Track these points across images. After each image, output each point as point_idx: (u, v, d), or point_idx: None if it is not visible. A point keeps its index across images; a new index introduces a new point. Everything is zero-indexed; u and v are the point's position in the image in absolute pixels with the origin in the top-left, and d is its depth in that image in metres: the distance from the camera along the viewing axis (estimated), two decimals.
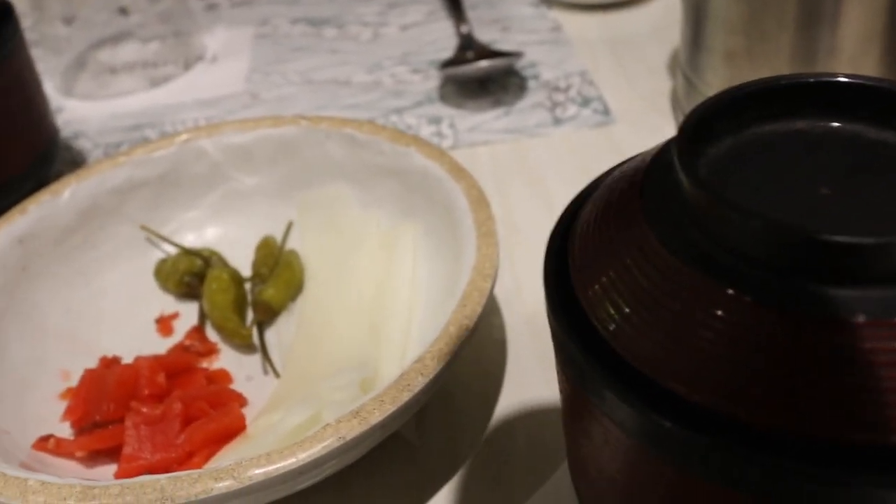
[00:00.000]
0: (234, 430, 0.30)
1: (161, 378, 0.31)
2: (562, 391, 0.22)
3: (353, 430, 0.25)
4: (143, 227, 0.40)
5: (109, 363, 0.34)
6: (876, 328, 0.16)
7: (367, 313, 0.34)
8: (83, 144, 0.52)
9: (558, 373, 0.22)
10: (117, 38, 0.59)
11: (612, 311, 0.19)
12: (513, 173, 0.45)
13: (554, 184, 0.44)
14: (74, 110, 0.55)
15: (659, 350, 0.18)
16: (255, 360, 0.35)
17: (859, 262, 0.16)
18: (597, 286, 0.20)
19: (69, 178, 0.38)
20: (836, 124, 0.20)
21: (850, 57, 0.39)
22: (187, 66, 0.59)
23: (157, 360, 0.32)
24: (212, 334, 0.36)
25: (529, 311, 0.36)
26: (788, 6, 0.38)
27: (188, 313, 0.37)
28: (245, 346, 0.35)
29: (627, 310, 0.18)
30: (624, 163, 0.23)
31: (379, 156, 0.38)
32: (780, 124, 0.21)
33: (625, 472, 0.20)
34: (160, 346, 0.36)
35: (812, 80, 0.20)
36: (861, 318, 0.16)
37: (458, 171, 0.35)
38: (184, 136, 0.40)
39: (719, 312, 0.17)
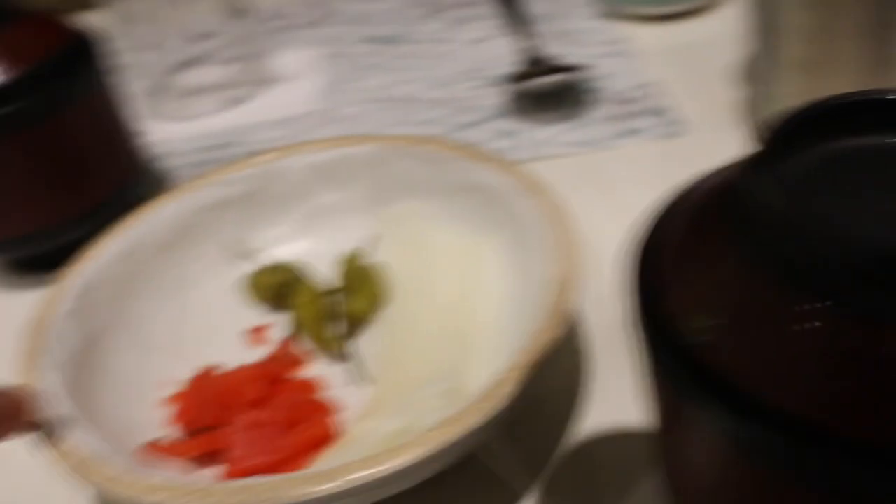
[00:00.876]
0: (329, 435, 0.31)
1: (263, 385, 0.33)
2: (655, 406, 0.23)
3: (447, 437, 0.26)
4: (233, 244, 0.42)
5: (211, 371, 0.35)
6: None
7: (452, 325, 0.35)
8: (166, 166, 0.54)
9: (651, 388, 0.22)
10: (197, 62, 0.61)
11: (705, 325, 0.20)
12: (583, 186, 0.46)
13: (625, 196, 0.44)
14: (157, 132, 0.58)
15: (755, 362, 0.18)
16: (343, 369, 0.37)
17: None
18: (688, 300, 0.20)
19: (165, 197, 0.40)
20: None
21: None
22: (262, 86, 0.61)
23: (257, 368, 0.34)
24: (302, 344, 0.38)
25: (604, 324, 0.37)
26: (861, 14, 0.38)
27: (280, 325, 0.39)
28: (334, 356, 0.37)
29: (719, 323, 0.19)
30: (708, 175, 0.24)
31: (457, 173, 0.40)
32: (860, 139, 0.21)
33: (725, 484, 0.20)
34: (254, 356, 0.37)
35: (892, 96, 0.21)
36: None
37: (536, 187, 0.36)
38: (270, 156, 0.42)
39: (809, 324, 0.18)
